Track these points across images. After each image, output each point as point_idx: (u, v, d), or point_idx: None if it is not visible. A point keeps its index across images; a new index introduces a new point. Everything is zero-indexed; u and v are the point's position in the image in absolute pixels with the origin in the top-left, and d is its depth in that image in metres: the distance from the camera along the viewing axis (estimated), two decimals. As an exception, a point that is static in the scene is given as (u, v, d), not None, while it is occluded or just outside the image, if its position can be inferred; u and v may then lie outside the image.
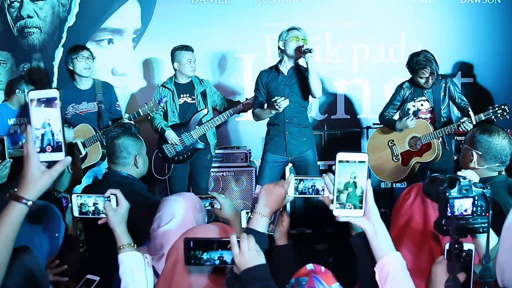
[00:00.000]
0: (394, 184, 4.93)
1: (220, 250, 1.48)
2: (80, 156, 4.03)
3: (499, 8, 5.30)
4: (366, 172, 1.40)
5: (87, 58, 4.14)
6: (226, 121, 4.53)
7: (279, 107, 3.68)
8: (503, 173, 2.47)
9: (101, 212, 1.73)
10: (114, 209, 1.68)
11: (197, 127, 4.30)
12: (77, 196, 1.76)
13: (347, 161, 1.40)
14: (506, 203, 2.23)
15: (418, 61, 3.83)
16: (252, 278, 1.45)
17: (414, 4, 5.30)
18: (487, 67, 5.32)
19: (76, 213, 1.77)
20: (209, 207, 2.22)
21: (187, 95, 4.36)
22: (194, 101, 4.36)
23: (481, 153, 2.43)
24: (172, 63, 4.33)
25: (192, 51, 4.31)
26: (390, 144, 4.20)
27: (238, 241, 1.48)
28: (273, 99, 3.75)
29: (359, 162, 1.40)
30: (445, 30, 5.29)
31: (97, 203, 1.73)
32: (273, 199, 1.69)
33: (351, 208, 1.40)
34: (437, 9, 5.30)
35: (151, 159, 4.41)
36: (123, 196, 1.71)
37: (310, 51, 3.63)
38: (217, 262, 1.48)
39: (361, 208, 1.40)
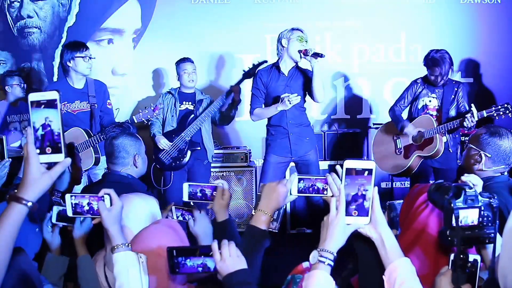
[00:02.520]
0: (394, 184, 4.93)
1: (203, 257, 1.51)
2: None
3: (499, 8, 5.30)
4: (373, 180, 1.39)
5: (90, 57, 3.97)
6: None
7: (290, 103, 3.67)
8: (505, 173, 2.46)
9: (95, 212, 1.73)
10: (108, 208, 1.67)
11: (187, 127, 4.26)
12: (71, 196, 1.77)
13: (354, 169, 1.39)
14: (508, 203, 2.22)
15: (434, 58, 3.91)
16: (233, 283, 1.48)
17: (414, 4, 5.30)
18: (487, 67, 5.32)
19: (70, 213, 1.78)
20: (180, 218, 2.28)
21: (190, 102, 4.36)
22: (194, 108, 4.35)
23: (490, 155, 2.41)
24: (176, 74, 4.36)
25: (191, 62, 4.29)
26: (394, 138, 4.27)
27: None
28: (282, 95, 3.73)
29: (367, 169, 1.39)
30: (445, 30, 5.29)
31: (91, 203, 1.73)
32: (275, 197, 1.72)
33: (357, 215, 1.40)
34: (437, 9, 5.30)
35: (149, 170, 4.33)
36: (117, 196, 1.71)
37: (321, 56, 3.61)
38: (201, 269, 1.51)
39: (367, 215, 1.40)
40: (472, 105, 3.74)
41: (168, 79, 5.19)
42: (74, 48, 3.95)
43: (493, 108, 3.71)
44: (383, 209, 1.54)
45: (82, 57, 3.91)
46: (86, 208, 1.74)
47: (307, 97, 4.00)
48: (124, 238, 1.64)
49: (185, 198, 2.09)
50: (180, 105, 4.32)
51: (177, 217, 2.33)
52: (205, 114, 4.25)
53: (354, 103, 5.38)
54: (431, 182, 3.73)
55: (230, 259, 1.50)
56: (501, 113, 3.68)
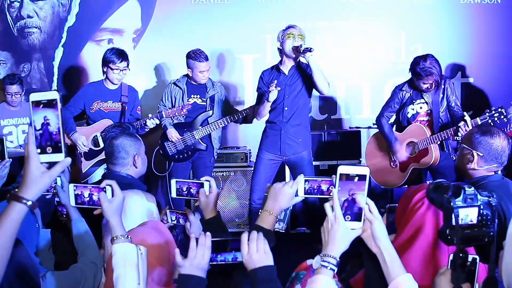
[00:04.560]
0: (394, 184, 4.92)
1: (233, 252, 1.56)
2: (98, 149, 4.17)
3: (499, 8, 5.30)
4: (367, 185, 1.40)
5: (122, 70, 4.18)
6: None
7: (267, 97, 3.69)
8: (499, 172, 2.47)
9: (96, 202, 1.74)
10: (109, 200, 1.68)
11: (200, 127, 4.30)
12: (74, 186, 1.78)
13: (347, 174, 1.40)
14: (502, 202, 2.23)
15: (425, 68, 3.72)
16: (258, 279, 1.50)
17: (414, 4, 5.30)
18: (487, 67, 5.31)
19: (73, 203, 1.80)
20: (175, 221, 2.33)
21: (198, 96, 4.36)
22: (203, 103, 4.36)
23: (482, 154, 2.42)
24: (187, 66, 4.30)
25: (206, 60, 4.23)
26: (387, 150, 4.16)
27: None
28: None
29: (360, 175, 1.40)
30: (445, 30, 5.29)
31: (92, 194, 1.74)
32: (281, 198, 1.76)
33: (350, 220, 1.41)
34: (437, 9, 5.30)
35: (152, 156, 4.45)
36: (119, 188, 1.71)
37: (309, 50, 3.60)
38: (231, 261, 1.57)
39: (360, 220, 1.41)
40: (465, 113, 3.63)
41: (168, 79, 5.19)
42: (111, 56, 4.17)
43: (487, 114, 3.57)
44: (382, 210, 1.54)
45: (113, 68, 4.15)
46: (87, 198, 1.76)
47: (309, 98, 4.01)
48: (124, 230, 1.65)
49: (173, 194, 2.10)
50: (188, 99, 4.33)
51: (172, 221, 2.35)
52: (221, 122, 4.31)
53: (354, 103, 5.38)
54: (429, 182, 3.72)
55: (256, 254, 1.52)
56: (496, 118, 3.55)
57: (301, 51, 3.65)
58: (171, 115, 4.19)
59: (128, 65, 4.21)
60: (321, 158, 4.73)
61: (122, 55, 4.19)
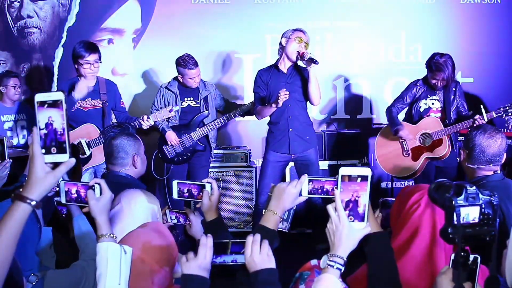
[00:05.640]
0: (394, 183, 4.93)
1: (234, 254, 1.57)
2: (84, 156, 3.97)
3: (499, 8, 5.30)
4: (369, 186, 1.40)
5: (92, 64, 3.92)
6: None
7: (279, 99, 3.64)
8: (499, 172, 2.48)
9: (83, 200, 1.75)
10: (96, 198, 1.69)
11: (197, 129, 4.30)
12: (65, 182, 1.79)
13: (350, 176, 1.40)
14: (502, 202, 2.24)
15: (438, 63, 3.89)
16: (258, 281, 1.51)
17: (414, 4, 5.30)
18: (487, 67, 5.32)
19: (63, 200, 1.81)
20: (175, 221, 2.33)
21: (191, 98, 4.35)
22: (197, 105, 4.35)
23: (467, 151, 2.49)
24: (177, 72, 4.28)
25: (196, 66, 4.19)
26: (401, 140, 4.22)
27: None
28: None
29: (362, 176, 1.40)
30: (445, 30, 5.29)
31: (80, 191, 1.75)
32: (285, 198, 1.76)
33: (352, 221, 1.41)
34: (437, 9, 5.30)
35: (151, 160, 4.41)
36: (107, 186, 1.72)
37: (315, 62, 3.62)
38: (231, 263, 1.58)
39: (363, 220, 1.41)
40: (482, 106, 3.79)
41: (168, 79, 5.19)
42: (79, 50, 3.91)
43: (501, 108, 3.78)
44: (375, 208, 1.55)
45: (82, 63, 3.90)
46: (75, 195, 1.77)
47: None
48: (110, 229, 1.67)
49: (175, 195, 2.11)
50: (181, 102, 4.31)
51: (171, 220, 2.34)
52: (218, 122, 4.30)
53: (354, 103, 5.38)
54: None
55: (259, 256, 1.53)
56: (510, 113, 3.76)
57: (305, 59, 3.66)
58: (158, 119, 4.04)
59: (100, 57, 3.95)
60: (321, 158, 4.73)
61: (91, 47, 3.92)
